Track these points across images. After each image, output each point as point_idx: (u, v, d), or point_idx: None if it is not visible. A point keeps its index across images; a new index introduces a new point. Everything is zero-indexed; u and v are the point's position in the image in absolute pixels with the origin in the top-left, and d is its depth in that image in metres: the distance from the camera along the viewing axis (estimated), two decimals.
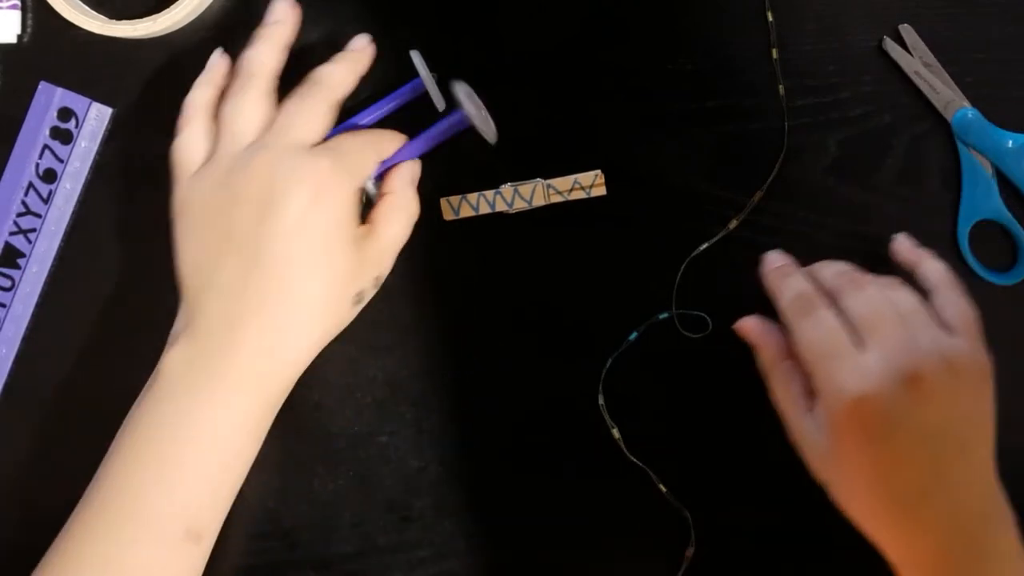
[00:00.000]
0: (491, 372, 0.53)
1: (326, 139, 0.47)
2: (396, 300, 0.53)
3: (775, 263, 0.49)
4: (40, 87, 0.54)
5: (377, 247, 0.48)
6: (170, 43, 0.54)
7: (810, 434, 0.44)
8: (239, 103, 0.47)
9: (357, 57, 0.50)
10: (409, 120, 0.52)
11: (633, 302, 0.52)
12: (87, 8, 0.54)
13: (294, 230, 0.44)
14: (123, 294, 0.54)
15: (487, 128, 0.49)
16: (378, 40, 0.52)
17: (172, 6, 0.52)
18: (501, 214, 0.51)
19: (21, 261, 0.54)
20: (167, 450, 0.43)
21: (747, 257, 0.53)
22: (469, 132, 0.50)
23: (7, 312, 0.53)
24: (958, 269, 0.52)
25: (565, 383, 0.53)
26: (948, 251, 0.53)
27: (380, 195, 0.49)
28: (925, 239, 0.53)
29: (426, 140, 0.51)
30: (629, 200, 0.53)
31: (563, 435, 0.53)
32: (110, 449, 0.45)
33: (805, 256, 0.53)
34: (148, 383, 0.45)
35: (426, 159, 0.51)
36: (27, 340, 0.54)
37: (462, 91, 0.49)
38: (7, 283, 0.54)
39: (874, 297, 0.44)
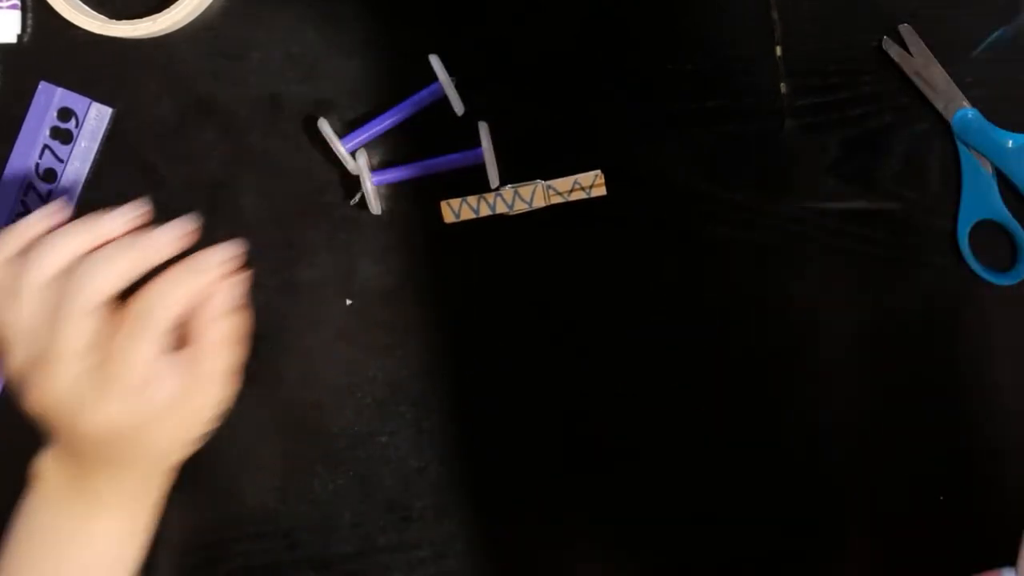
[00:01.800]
0: (491, 372, 0.53)
1: None
2: (396, 300, 0.53)
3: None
4: (40, 87, 0.54)
5: (183, 418, 0.44)
6: (170, 43, 0.54)
7: None
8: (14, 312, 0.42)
9: (192, 280, 0.43)
10: (425, 124, 0.52)
11: (633, 302, 0.52)
12: (87, 8, 0.54)
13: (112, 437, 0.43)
14: (123, 294, 0.53)
15: (494, 171, 0.51)
16: (389, 45, 0.52)
17: (172, 6, 0.52)
18: (502, 216, 0.51)
19: None
20: (41, 560, 0.44)
21: (748, 257, 0.53)
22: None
23: None
24: (958, 269, 0.53)
25: (565, 383, 0.53)
26: (948, 251, 0.53)
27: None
28: (925, 239, 0.53)
29: (435, 165, 0.52)
30: (629, 200, 0.53)
31: (563, 435, 0.53)
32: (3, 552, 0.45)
33: (805, 256, 0.53)
34: (29, 483, 0.46)
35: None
36: None
37: (484, 130, 0.50)
38: None
39: None
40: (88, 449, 0.43)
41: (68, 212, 0.45)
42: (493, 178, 0.51)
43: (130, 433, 0.42)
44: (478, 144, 0.51)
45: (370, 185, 0.51)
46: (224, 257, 0.44)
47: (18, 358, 0.42)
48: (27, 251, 0.43)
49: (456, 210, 0.51)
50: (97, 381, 0.41)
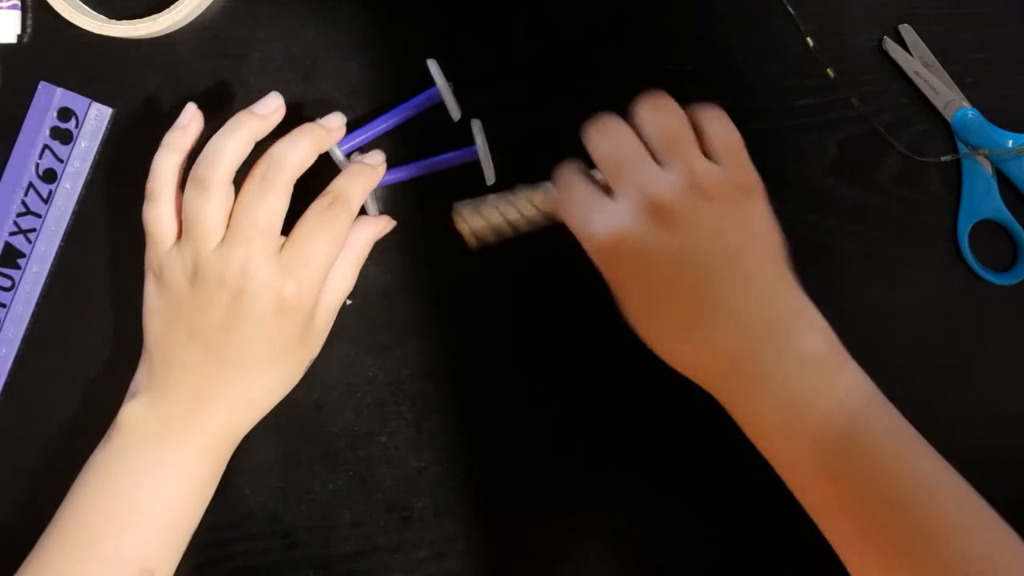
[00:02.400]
0: (491, 372, 0.53)
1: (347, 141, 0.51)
2: (396, 300, 0.53)
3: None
4: (40, 87, 0.54)
5: (323, 317, 0.49)
6: (170, 43, 0.54)
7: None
8: (202, 203, 0.46)
9: (321, 135, 0.49)
10: (421, 129, 0.52)
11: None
12: (87, 8, 0.54)
13: (255, 337, 0.46)
14: (123, 294, 0.54)
15: (489, 169, 0.51)
16: (389, 45, 0.52)
17: (172, 6, 0.52)
18: (516, 233, 0.51)
19: (21, 261, 0.54)
20: (127, 499, 0.46)
21: None
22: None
23: (7, 312, 0.53)
24: (958, 269, 0.53)
25: (565, 383, 0.53)
26: (948, 251, 0.53)
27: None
28: (925, 239, 0.53)
29: (430, 165, 0.52)
30: None
31: (563, 435, 0.53)
32: (72, 489, 0.47)
33: (805, 256, 0.53)
34: (110, 432, 0.47)
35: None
36: (27, 340, 0.54)
37: (477, 128, 0.51)
38: (7, 283, 0.54)
39: (617, 137, 0.46)
40: (207, 365, 0.46)
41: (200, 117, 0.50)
42: (489, 175, 0.51)
43: (306, 316, 0.47)
44: (474, 144, 0.51)
45: None
46: (342, 120, 0.50)
47: (210, 243, 0.46)
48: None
49: (470, 223, 0.50)
50: (295, 255, 0.46)
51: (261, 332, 0.46)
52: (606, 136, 0.46)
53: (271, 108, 0.48)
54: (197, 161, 0.47)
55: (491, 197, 0.50)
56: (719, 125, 0.46)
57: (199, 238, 0.46)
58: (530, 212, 0.50)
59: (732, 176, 0.45)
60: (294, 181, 0.47)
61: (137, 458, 0.46)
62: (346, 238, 0.48)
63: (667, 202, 0.43)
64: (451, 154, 0.52)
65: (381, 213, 0.53)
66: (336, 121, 0.50)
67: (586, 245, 0.46)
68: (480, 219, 0.50)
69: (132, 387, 0.48)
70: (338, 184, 0.48)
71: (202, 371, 0.46)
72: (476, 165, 0.51)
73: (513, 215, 0.50)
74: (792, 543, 0.50)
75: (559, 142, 0.53)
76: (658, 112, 0.46)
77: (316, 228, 0.47)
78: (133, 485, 0.46)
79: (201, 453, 0.47)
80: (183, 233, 0.47)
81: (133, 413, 0.47)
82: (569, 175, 0.47)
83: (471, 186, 0.52)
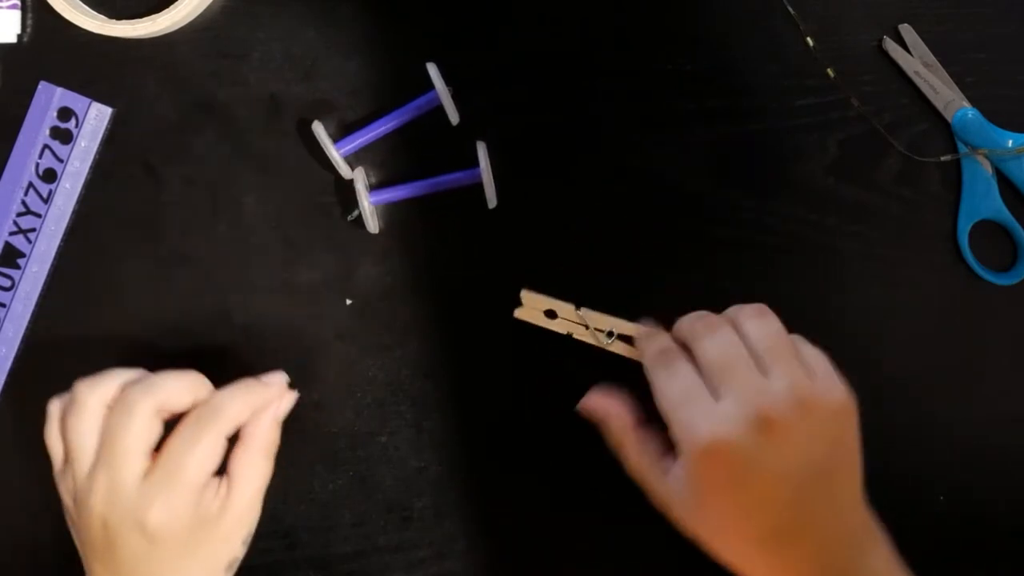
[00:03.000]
0: (491, 372, 0.53)
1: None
2: (396, 300, 0.53)
3: (642, 330, 0.49)
4: (40, 87, 0.54)
5: (236, 511, 0.46)
6: (170, 43, 0.54)
7: (673, 491, 0.45)
8: (73, 424, 0.45)
9: (261, 394, 0.46)
10: (420, 133, 0.52)
11: (633, 302, 0.52)
12: (87, 8, 0.54)
13: (137, 563, 0.44)
14: (123, 294, 0.54)
15: (492, 191, 0.51)
16: (389, 45, 0.52)
17: (172, 6, 0.52)
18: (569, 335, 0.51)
19: (21, 261, 0.54)
20: None
21: (749, 257, 0.53)
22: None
23: (7, 312, 0.53)
24: (958, 269, 0.53)
25: (565, 383, 0.53)
26: (948, 251, 0.53)
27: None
28: (925, 239, 0.53)
29: (433, 185, 0.52)
30: (629, 200, 0.53)
31: (564, 435, 0.53)
32: None
33: (805, 256, 0.53)
34: None
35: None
36: (27, 340, 0.54)
37: (482, 150, 0.50)
38: (7, 283, 0.54)
39: (725, 340, 0.45)
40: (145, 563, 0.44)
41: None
42: (491, 197, 0.51)
43: (187, 535, 0.44)
44: (474, 152, 0.51)
45: (367, 204, 0.51)
46: (284, 380, 0.48)
47: (83, 467, 0.44)
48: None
49: (528, 306, 0.50)
50: (162, 478, 0.43)
51: (139, 560, 0.44)
52: (715, 336, 0.45)
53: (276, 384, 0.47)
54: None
55: (570, 307, 0.50)
56: (808, 345, 0.46)
57: (72, 460, 0.44)
58: (603, 342, 0.49)
59: (829, 392, 0.45)
60: (228, 433, 0.45)
61: None
62: (219, 449, 0.45)
63: (774, 413, 0.43)
64: (453, 175, 0.52)
65: (380, 228, 0.53)
66: (278, 379, 0.48)
67: (684, 440, 0.44)
68: (541, 316, 0.50)
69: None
70: (214, 397, 0.46)
71: None
72: (478, 184, 0.51)
73: (581, 333, 0.50)
74: None
75: (559, 142, 0.53)
76: (763, 320, 0.46)
77: (182, 445, 0.44)
78: None
79: None
80: (66, 456, 0.45)
81: None
82: (671, 358, 0.46)
83: (473, 206, 0.52)
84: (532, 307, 0.50)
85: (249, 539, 0.47)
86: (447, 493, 0.53)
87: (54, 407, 0.46)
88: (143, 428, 0.44)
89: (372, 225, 0.52)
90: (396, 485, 0.53)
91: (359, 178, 0.51)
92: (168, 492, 0.43)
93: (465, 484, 0.53)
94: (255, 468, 0.46)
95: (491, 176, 0.50)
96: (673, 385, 0.45)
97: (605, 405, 0.49)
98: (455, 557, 0.53)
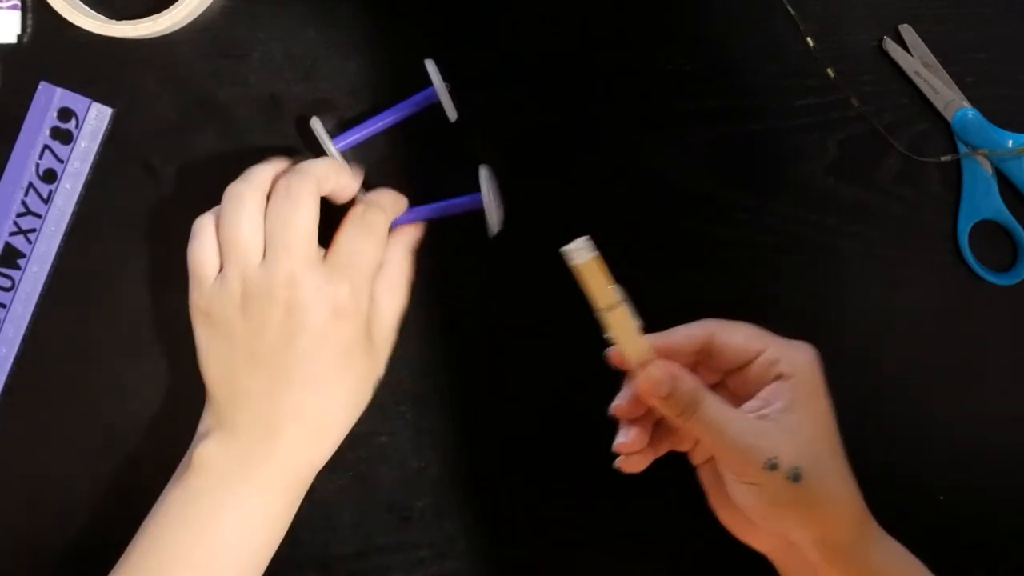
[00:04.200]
0: (491, 372, 0.53)
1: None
2: None
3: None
4: (40, 87, 0.54)
5: (382, 334, 0.49)
6: (170, 43, 0.54)
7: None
8: (236, 219, 0.46)
9: (335, 163, 0.49)
10: (417, 129, 0.52)
11: (633, 302, 0.52)
12: (87, 8, 0.54)
13: (316, 349, 0.46)
14: (123, 294, 0.54)
15: (493, 218, 0.50)
16: (388, 45, 0.52)
17: (172, 6, 0.52)
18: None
19: (21, 261, 0.54)
20: (208, 543, 0.45)
21: (749, 257, 0.53)
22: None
23: (7, 312, 0.53)
24: (958, 269, 0.53)
25: (565, 383, 0.53)
26: (948, 251, 0.53)
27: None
28: (925, 239, 0.53)
29: (435, 210, 0.52)
30: (629, 200, 0.53)
31: (564, 435, 0.53)
32: (145, 530, 0.46)
33: (805, 256, 0.53)
34: (181, 472, 0.47)
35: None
36: (27, 340, 0.54)
37: (484, 175, 0.50)
38: (7, 283, 0.54)
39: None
40: (274, 395, 0.46)
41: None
42: (493, 224, 0.51)
43: (357, 328, 0.47)
44: (473, 151, 0.51)
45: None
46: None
47: (254, 258, 0.46)
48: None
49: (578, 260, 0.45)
50: (344, 261, 0.47)
51: (320, 342, 0.46)
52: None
53: (324, 171, 0.48)
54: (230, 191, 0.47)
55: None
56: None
57: (239, 257, 0.45)
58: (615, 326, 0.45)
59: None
60: (319, 195, 0.47)
61: (215, 499, 0.46)
62: (385, 240, 0.49)
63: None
64: (455, 200, 0.51)
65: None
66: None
67: (753, 474, 0.44)
68: (593, 267, 0.45)
69: (201, 428, 0.48)
70: (369, 194, 0.50)
71: (269, 398, 0.46)
72: (477, 161, 0.51)
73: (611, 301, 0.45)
74: None
75: (559, 142, 0.53)
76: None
77: (356, 232, 0.48)
78: (213, 528, 0.45)
79: (278, 492, 0.47)
80: (223, 261, 0.46)
81: (206, 454, 0.46)
82: (719, 405, 0.44)
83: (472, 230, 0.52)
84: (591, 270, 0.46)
85: (384, 368, 0.50)
86: (447, 493, 0.53)
87: (204, 220, 0.47)
88: (312, 210, 0.46)
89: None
90: (396, 485, 0.53)
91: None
92: (352, 272, 0.46)
93: (465, 484, 0.53)
94: (395, 291, 0.49)
95: (493, 204, 0.50)
96: (734, 431, 0.44)
97: (672, 370, 0.45)
98: (455, 557, 0.53)
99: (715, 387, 0.47)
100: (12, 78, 0.54)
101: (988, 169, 0.52)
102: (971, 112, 0.52)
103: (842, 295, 0.53)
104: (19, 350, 0.54)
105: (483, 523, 0.53)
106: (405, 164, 0.53)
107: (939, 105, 0.52)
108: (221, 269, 0.46)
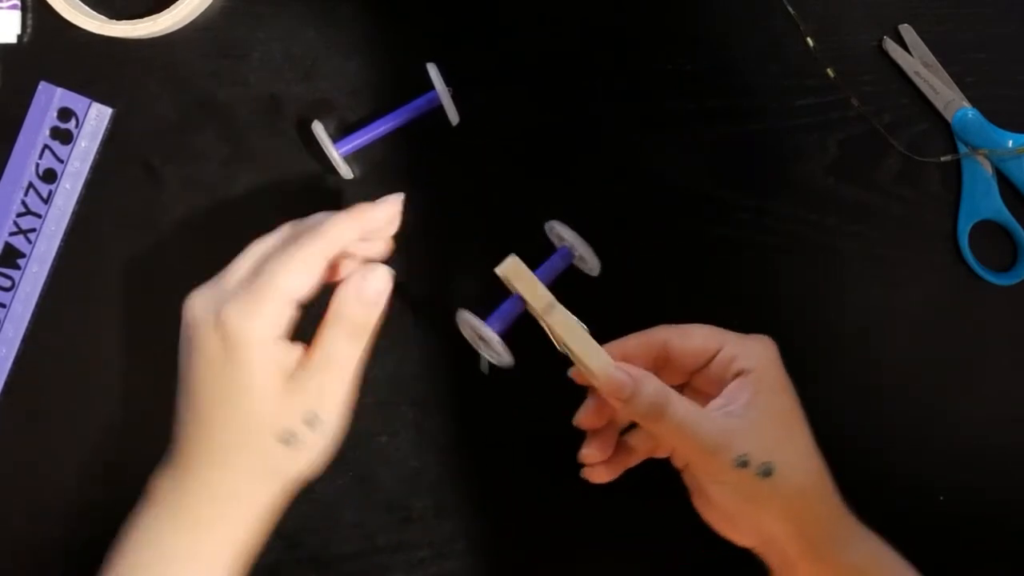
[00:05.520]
0: (491, 372, 0.53)
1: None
2: (396, 301, 0.53)
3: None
4: (40, 87, 0.54)
5: (311, 381, 0.43)
6: (170, 43, 0.54)
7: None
8: (252, 248, 0.46)
9: (364, 214, 0.46)
10: (419, 133, 0.52)
11: (633, 302, 0.52)
12: (87, 8, 0.54)
13: (205, 378, 0.43)
14: (123, 294, 0.54)
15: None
16: (389, 45, 0.53)
17: (172, 6, 0.52)
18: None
19: (21, 261, 0.54)
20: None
21: (749, 257, 0.53)
22: None
23: (7, 312, 0.53)
24: (958, 269, 0.53)
25: (565, 383, 0.53)
26: (948, 251, 0.53)
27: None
28: (925, 239, 0.53)
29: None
30: (629, 200, 0.53)
31: (564, 435, 0.53)
32: (104, 564, 0.45)
33: (805, 256, 0.53)
34: (139, 504, 0.45)
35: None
36: (27, 340, 0.54)
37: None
38: (7, 283, 0.54)
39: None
40: (217, 433, 0.43)
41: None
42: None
43: (259, 355, 0.42)
44: (474, 152, 0.51)
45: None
46: (399, 199, 0.47)
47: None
48: None
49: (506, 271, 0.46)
50: (252, 286, 0.43)
51: (208, 374, 0.44)
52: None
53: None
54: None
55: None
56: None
57: (218, 278, 0.45)
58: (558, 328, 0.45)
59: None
60: (329, 255, 0.44)
61: (162, 537, 0.44)
62: (314, 271, 0.44)
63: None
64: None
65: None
66: (392, 200, 0.47)
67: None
68: (521, 280, 0.46)
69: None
70: (319, 218, 0.45)
71: (183, 426, 0.45)
72: (478, 164, 0.51)
73: (543, 304, 0.45)
74: None
75: (559, 142, 0.53)
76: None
77: (277, 259, 0.44)
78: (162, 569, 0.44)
79: (204, 533, 0.44)
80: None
81: (152, 485, 0.45)
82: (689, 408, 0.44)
83: (474, 196, 0.52)
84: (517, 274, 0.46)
85: (316, 423, 0.43)
86: (447, 493, 0.53)
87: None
88: (298, 276, 0.43)
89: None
90: (396, 485, 0.53)
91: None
92: (252, 296, 0.42)
93: (465, 484, 0.53)
94: (334, 343, 0.44)
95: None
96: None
97: (634, 372, 0.45)
98: (455, 557, 0.53)
99: (681, 388, 0.48)
100: (12, 78, 0.54)
101: (988, 169, 0.52)
102: (971, 112, 0.52)
103: (842, 295, 0.53)
104: (19, 350, 0.54)
105: (483, 523, 0.53)
106: (405, 166, 0.53)
107: (939, 105, 0.52)
108: None
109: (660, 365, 0.47)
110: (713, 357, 0.46)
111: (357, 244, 0.46)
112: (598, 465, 0.48)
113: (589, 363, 0.44)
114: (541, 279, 0.46)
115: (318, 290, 0.44)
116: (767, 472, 0.43)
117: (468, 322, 0.48)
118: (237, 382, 0.42)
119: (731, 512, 0.45)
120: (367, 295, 0.44)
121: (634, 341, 0.47)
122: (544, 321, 0.45)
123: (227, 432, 0.43)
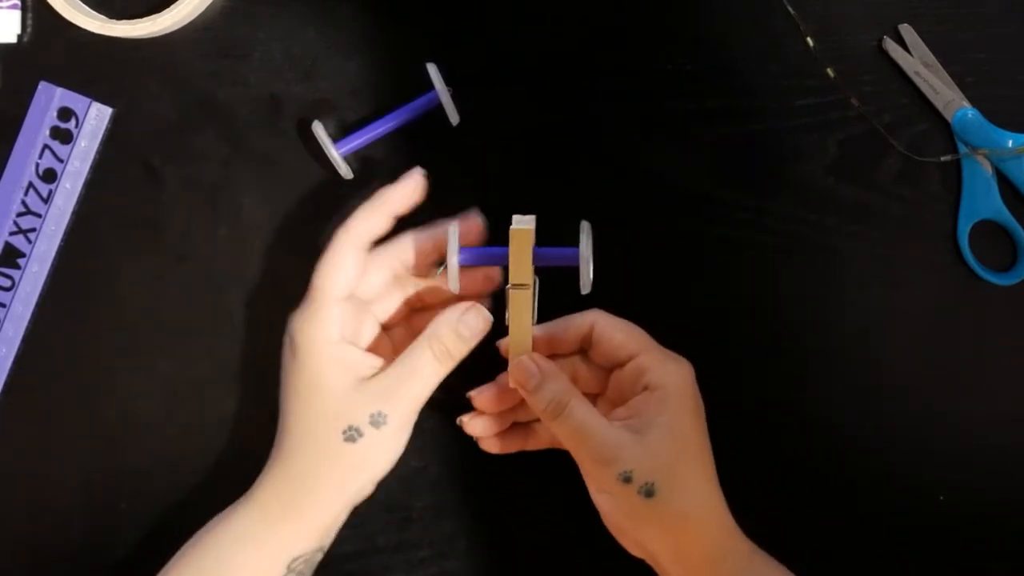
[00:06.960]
0: (491, 372, 0.53)
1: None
2: None
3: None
4: (40, 87, 0.54)
5: (385, 384, 0.46)
6: (170, 43, 0.54)
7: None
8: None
9: (384, 198, 0.48)
10: (419, 132, 0.52)
11: (633, 302, 0.52)
12: (87, 8, 0.54)
13: (286, 382, 0.47)
14: (123, 294, 0.54)
15: (586, 275, 0.48)
16: (389, 45, 0.52)
17: (172, 6, 0.52)
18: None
19: (21, 261, 0.54)
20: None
21: (749, 257, 0.53)
22: None
23: (7, 312, 0.53)
24: (958, 269, 0.53)
25: None
26: (948, 251, 0.53)
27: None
28: (925, 239, 0.53)
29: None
30: (629, 200, 0.53)
31: None
32: (185, 555, 0.47)
33: (805, 256, 0.53)
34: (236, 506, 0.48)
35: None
36: (27, 340, 0.54)
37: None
38: (7, 283, 0.54)
39: None
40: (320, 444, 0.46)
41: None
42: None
43: (323, 361, 0.46)
44: (474, 152, 0.51)
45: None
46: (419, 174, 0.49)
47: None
48: None
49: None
50: (308, 296, 0.47)
51: (288, 377, 0.47)
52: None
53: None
54: None
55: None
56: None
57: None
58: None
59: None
60: (362, 246, 0.47)
61: (251, 537, 0.46)
62: (353, 263, 0.47)
63: None
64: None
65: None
66: (414, 175, 0.49)
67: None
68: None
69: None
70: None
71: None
72: (479, 165, 0.51)
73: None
74: (790, 544, 0.50)
75: (559, 142, 0.53)
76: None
77: (319, 265, 0.47)
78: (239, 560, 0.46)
79: (279, 543, 0.47)
80: None
81: (256, 488, 0.47)
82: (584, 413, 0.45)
83: (474, 196, 0.52)
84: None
85: (384, 422, 0.45)
86: (447, 493, 0.53)
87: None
88: (338, 269, 0.46)
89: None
90: (396, 485, 0.53)
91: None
92: (305, 303, 0.46)
93: (465, 484, 0.53)
94: (420, 358, 0.47)
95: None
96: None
97: (544, 366, 0.46)
98: (455, 557, 0.53)
99: (596, 397, 0.49)
100: (12, 78, 0.54)
101: (988, 169, 0.52)
102: (971, 112, 0.52)
103: (842, 295, 0.53)
104: (19, 350, 0.54)
105: (483, 523, 0.53)
106: (405, 166, 0.53)
107: (939, 105, 0.52)
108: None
109: (584, 348, 0.49)
110: (627, 361, 0.47)
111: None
112: (491, 437, 0.50)
113: (513, 343, 0.46)
114: (538, 257, 0.48)
115: (383, 288, 0.49)
116: (648, 492, 0.44)
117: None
118: (305, 381, 0.46)
119: (612, 523, 0.47)
120: (463, 330, 0.47)
121: (566, 321, 0.48)
122: (509, 291, 0.46)
123: (299, 425, 0.46)
